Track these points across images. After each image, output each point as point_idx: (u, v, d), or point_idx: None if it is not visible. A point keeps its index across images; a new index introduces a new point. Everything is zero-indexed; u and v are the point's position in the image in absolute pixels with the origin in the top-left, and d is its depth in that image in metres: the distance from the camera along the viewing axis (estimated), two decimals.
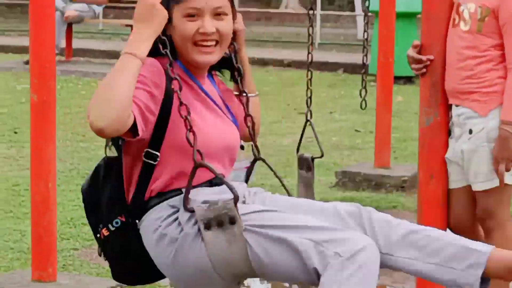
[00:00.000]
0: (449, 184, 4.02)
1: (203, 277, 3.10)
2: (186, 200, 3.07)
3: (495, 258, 3.15)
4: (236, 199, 3.00)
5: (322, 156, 4.87)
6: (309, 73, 5.04)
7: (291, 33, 21.34)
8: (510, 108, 3.85)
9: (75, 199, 6.70)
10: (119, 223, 3.19)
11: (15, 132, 9.37)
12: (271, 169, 3.43)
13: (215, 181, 3.15)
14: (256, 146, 3.42)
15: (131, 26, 14.07)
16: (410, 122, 10.03)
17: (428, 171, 3.99)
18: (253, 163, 3.46)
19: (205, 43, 3.18)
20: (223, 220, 3.00)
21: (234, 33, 3.32)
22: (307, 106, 4.99)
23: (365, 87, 6.43)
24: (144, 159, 3.13)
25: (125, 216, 3.18)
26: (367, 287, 3.04)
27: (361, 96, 6.52)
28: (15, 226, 6.02)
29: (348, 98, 12.11)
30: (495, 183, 3.94)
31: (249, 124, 3.37)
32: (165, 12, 3.07)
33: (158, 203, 3.14)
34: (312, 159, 4.83)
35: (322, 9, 19.19)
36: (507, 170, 3.90)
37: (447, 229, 4.03)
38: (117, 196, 3.20)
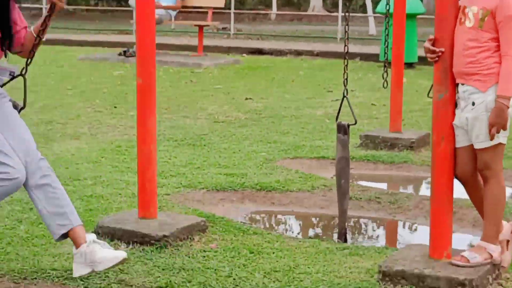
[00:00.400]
0: (456, 143, 4.00)
1: None
2: None
3: (75, 229, 3.82)
4: None
5: (355, 123, 4.87)
6: (346, 60, 5.03)
7: (318, 30, 21.27)
8: (504, 85, 3.84)
9: (163, 157, 6.76)
10: None
11: (115, 107, 9.44)
12: (25, 90, 3.85)
13: None
14: (26, 68, 3.87)
15: (197, 25, 14.17)
16: (413, 97, 9.99)
17: (440, 134, 3.98)
18: (17, 76, 3.90)
19: None
20: None
21: (55, 4, 3.84)
22: (344, 86, 4.98)
23: (386, 71, 6.41)
24: None
25: None
26: None
27: (383, 78, 6.50)
28: (120, 177, 6.07)
29: (364, 80, 12.07)
30: (491, 142, 3.94)
31: (32, 52, 3.91)
32: None
33: None
34: (348, 125, 4.83)
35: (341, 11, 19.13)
36: (498, 132, 3.90)
37: (454, 178, 4.05)
38: None
